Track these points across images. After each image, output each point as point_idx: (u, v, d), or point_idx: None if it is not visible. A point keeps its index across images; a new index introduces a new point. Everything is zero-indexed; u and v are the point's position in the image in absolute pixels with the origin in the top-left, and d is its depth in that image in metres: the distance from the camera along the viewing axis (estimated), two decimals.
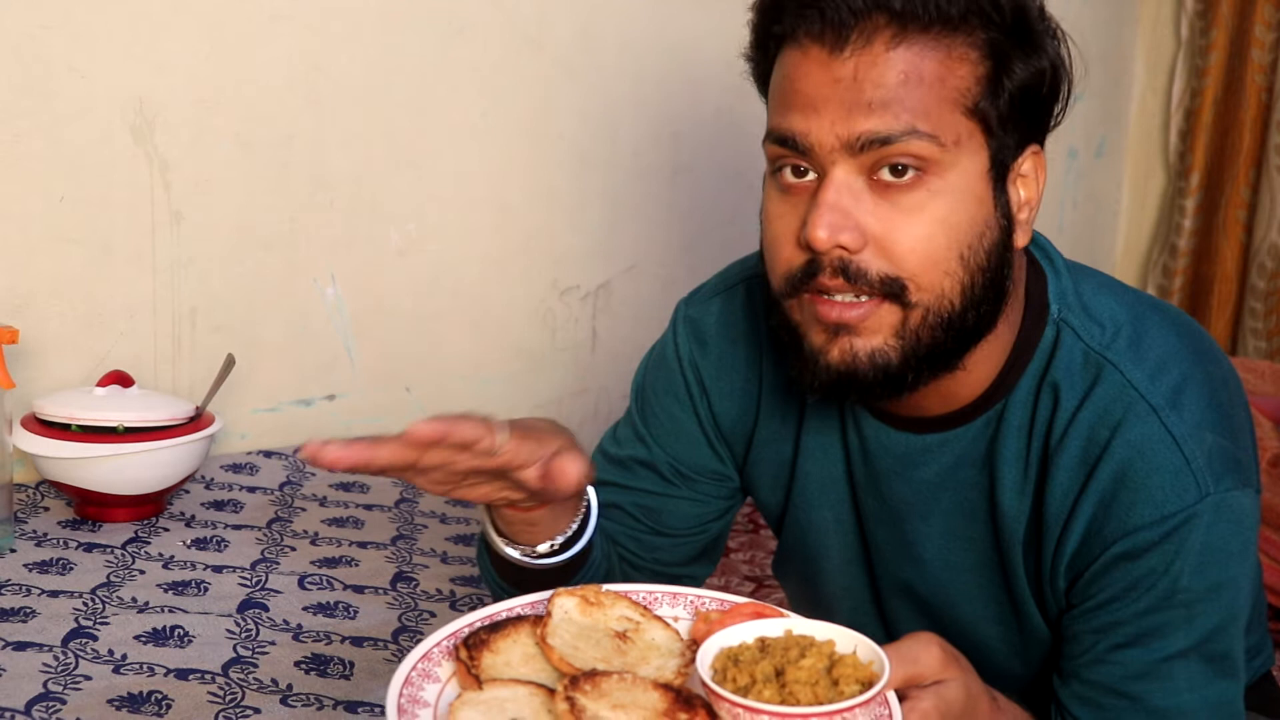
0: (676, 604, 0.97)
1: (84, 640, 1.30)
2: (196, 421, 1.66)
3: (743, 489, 1.27)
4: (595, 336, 2.28)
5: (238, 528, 1.63)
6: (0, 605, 1.37)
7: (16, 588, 1.42)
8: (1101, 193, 3.06)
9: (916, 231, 0.98)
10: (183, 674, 1.25)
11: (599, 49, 2.19)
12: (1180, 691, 1.03)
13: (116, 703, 1.19)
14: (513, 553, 1.08)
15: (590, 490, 1.10)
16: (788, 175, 1.01)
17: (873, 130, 0.96)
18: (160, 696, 1.21)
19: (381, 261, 2.05)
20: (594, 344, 2.28)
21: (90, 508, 1.62)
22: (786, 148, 1.00)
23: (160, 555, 1.53)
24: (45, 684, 1.21)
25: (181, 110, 1.84)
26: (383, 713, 0.84)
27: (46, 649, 1.28)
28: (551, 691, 0.85)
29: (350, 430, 2.05)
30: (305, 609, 1.42)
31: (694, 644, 0.91)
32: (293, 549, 1.58)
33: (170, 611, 1.38)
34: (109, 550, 1.53)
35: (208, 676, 1.25)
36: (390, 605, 1.45)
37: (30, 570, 1.46)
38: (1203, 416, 1.02)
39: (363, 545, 1.61)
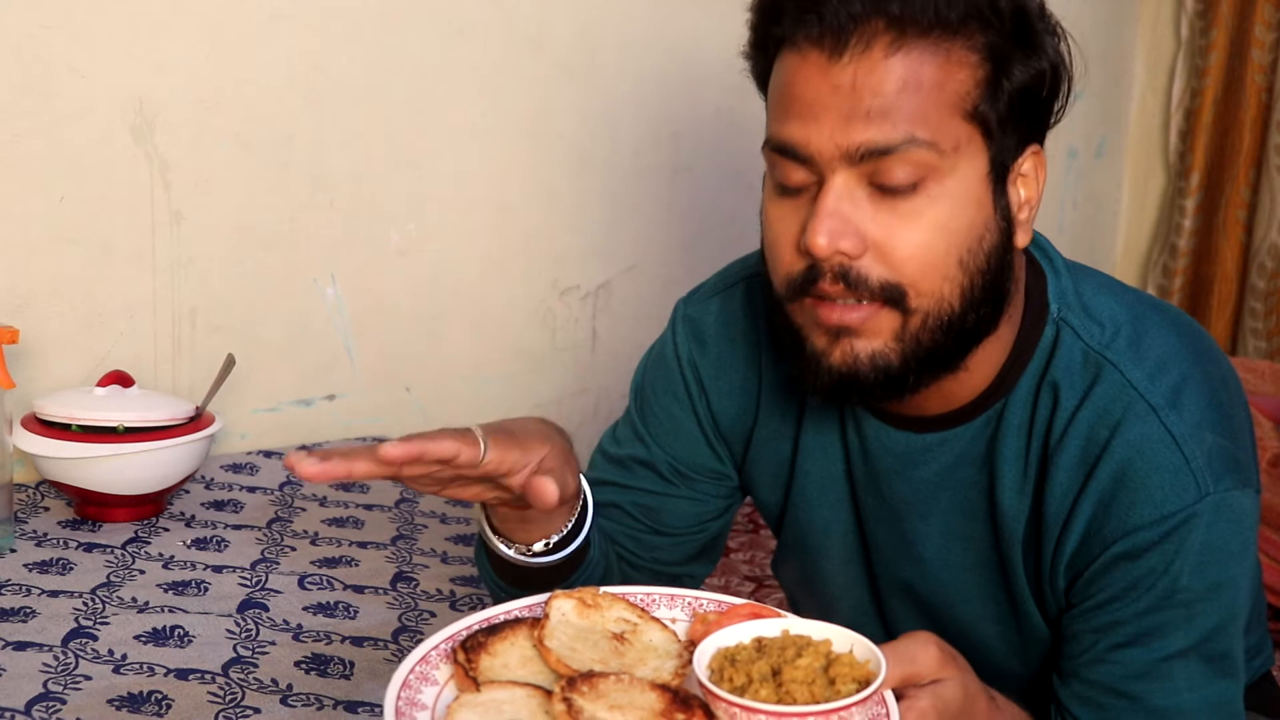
0: (674, 605, 0.97)
1: (84, 640, 1.31)
2: (196, 421, 1.66)
3: (742, 488, 1.27)
4: (595, 336, 2.28)
5: (238, 528, 1.63)
6: (0, 605, 1.37)
7: (16, 588, 1.42)
8: (1101, 193, 3.06)
9: (916, 237, 0.98)
10: (183, 674, 1.25)
11: (599, 49, 2.19)
12: (1180, 691, 1.03)
13: (116, 703, 1.19)
14: (509, 551, 1.08)
15: (586, 488, 1.10)
16: (787, 180, 1.01)
17: (871, 140, 0.96)
18: (160, 696, 1.21)
19: (381, 261, 2.05)
20: (594, 344, 2.28)
21: (90, 508, 1.62)
22: (786, 156, 1.00)
23: (160, 555, 1.53)
24: (45, 684, 1.22)
25: (181, 110, 1.84)
26: (383, 713, 0.84)
27: (46, 649, 1.28)
28: (549, 693, 0.86)
29: (350, 430, 2.05)
30: (305, 609, 1.42)
31: (691, 645, 0.91)
32: (293, 549, 1.58)
33: (170, 611, 1.38)
34: (109, 550, 1.53)
35: (208, 676, 1.25)
36: (390, 605, 1.45)
37: (30, 570, 1.46)
38: (1202, 416, 1.03)
39: (363, 545, 1.61)
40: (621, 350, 2.29)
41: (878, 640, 0.87)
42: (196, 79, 1.85)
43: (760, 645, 0.86)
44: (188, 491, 1.74)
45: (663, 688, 0.86)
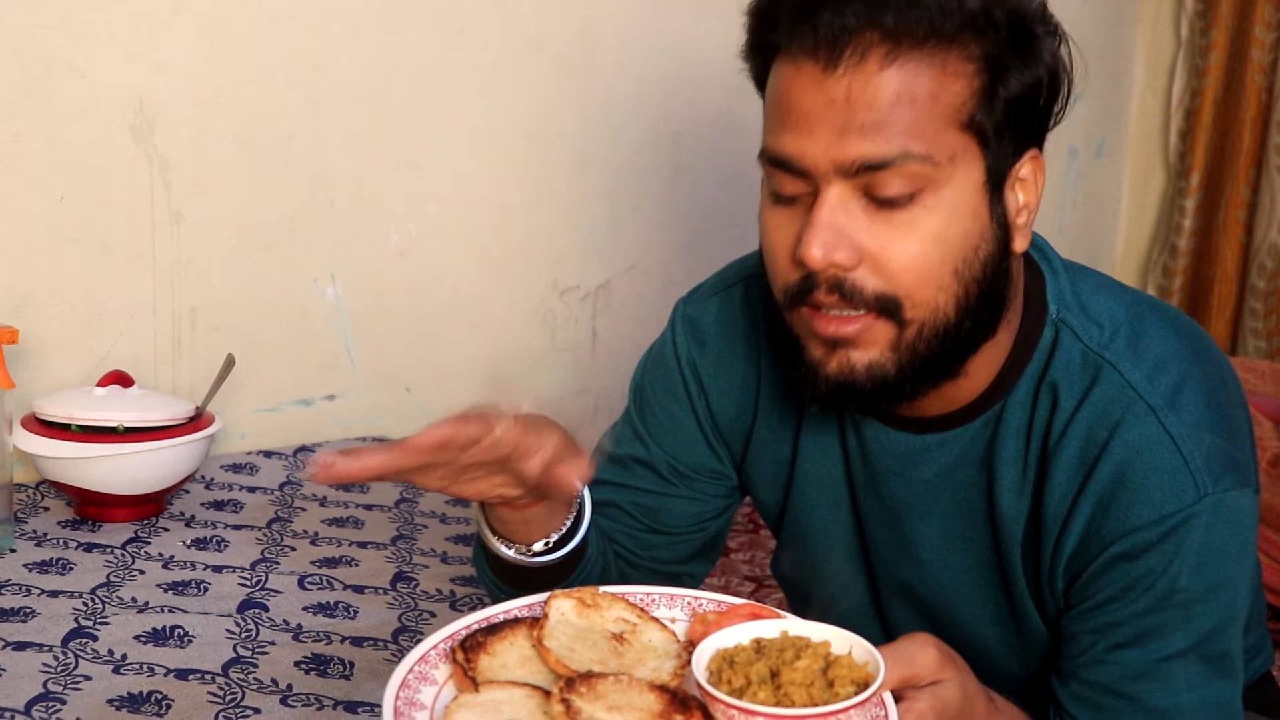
0: (674, 605, 0.97)
1: (84, 640, 1.31)
2: (196, 421, 1.66)
3: (741, 488, 1.27)
4: (595, 336, 2.28)
5: (238, 528, 1.63)
6: (0, 605, 1.37)
7: (16, 588, 1.42)
8: (1101, 193, 3.06)
9: (911, 249, 0.98)
10: (183, 674, 1.26)
11: (599, 49, 2.19)
12: (1179, 692, 1.03)
13: (116, 703, 1.20)
14: (509, 551, 1.08)
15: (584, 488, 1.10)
16: (782, 190, 1.01)
17: (866, 155, 0.96)
18: (160, 696, 1.21)
19: (381, 261, 2.05)
20: (594, 344, 2.28)
21: (90, 508, 1.62)
22: (781, 168, 1.00)
23: (160, 555, 1.53)
24: (45, 684, 1.22)
25: (181, 110, 1.84)
26: (381, 713, 0.84)
27: (46, 649, 1.28)
28: (547, 694, 0.86)
29: (350, 430, 2.05)
30: (305, 609, 1.42)
31: (691, 645, 0.91)
32: (293, 549, 1.58)
33: (170, 611, 1.38)
34: (109, 550, 1.54)
35: (208, 676, 1.25)
36: (390, 605, 1.45)
37: (30, 570, 1.47)
38: (1201, 417, 1.03)
39: (363, 545, 1.61)
40: (621, 350, 2.29)
41: (877, 641, 0.87)
42: (196, 79, 1.85)
43: (759, 647, 0.86)
44: (188, 491, 1.74)
45: (661, 689, 0.86)
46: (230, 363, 1.75)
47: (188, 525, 1.63)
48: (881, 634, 1.19)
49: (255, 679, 1.26)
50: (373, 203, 2.02)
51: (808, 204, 0.99)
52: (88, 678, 1.23)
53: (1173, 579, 1.01)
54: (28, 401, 1.66)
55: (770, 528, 1.28)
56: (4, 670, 1.23)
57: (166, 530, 1.61)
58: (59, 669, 1.25)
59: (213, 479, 1.79)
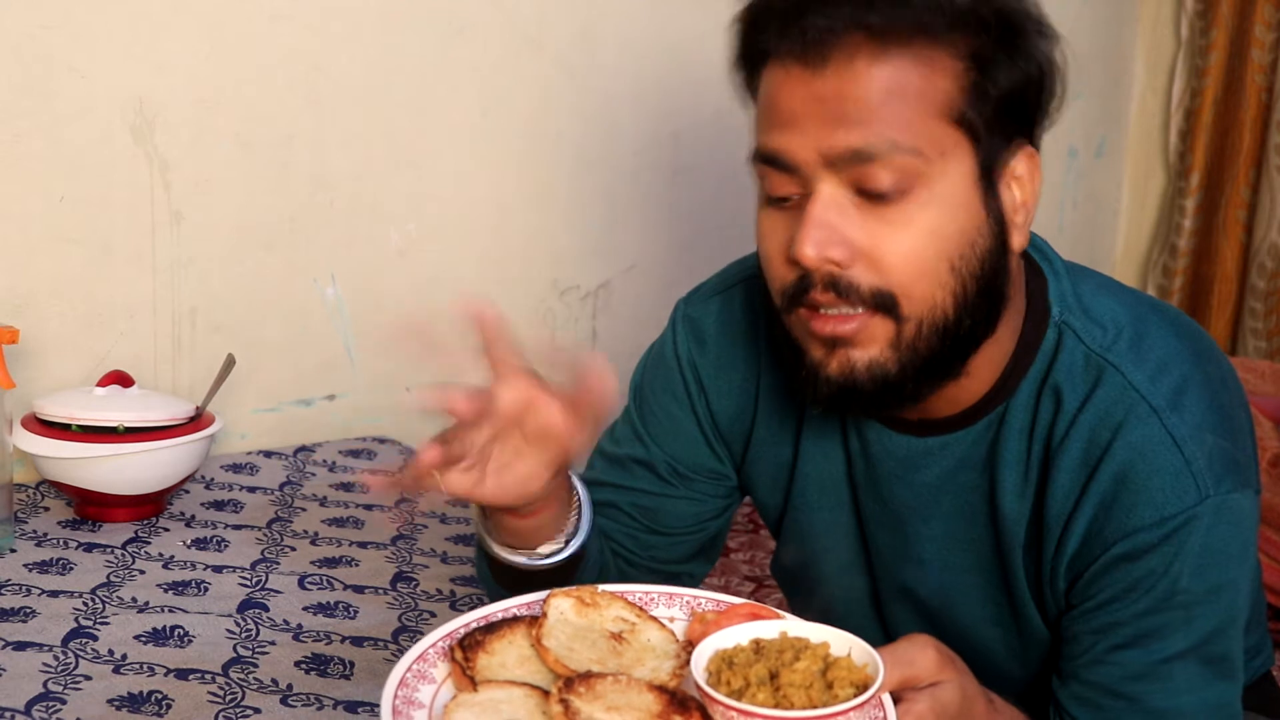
0: (673, 605, 0.97)
1: (84, 640, 1.31)
2: (196, 421, 1.66)
3: (741, 488, 1.27)
4: (595, 336, 2.28)
5: (238, 528, 1.63)
6: (0, 605, 1.37)
7: (16, 588, 1.42)
8: (1101, 193, 3.06)
9: (905, 244, 0.98)
10: (183, 674, 1.26)
11: (599, 49, 2.19)
12: (1179, 693, 1.03)
13: (116, 703, 1.20)
14: (516, 558, 1.08)
15: (580, 486, 1.10)
16: (775, 191, 1.01)
17: (853, 145, 0.96)
18: (160, 696, 1.21)
19: (381, 261, 2.05)
20: (594, 344, 2.28)
21: (90, 508, 1.62)
22: (772, 165, 1.00)
23: (160, 555, 1.53)
24: (45, 684, 1.22)
25: (181, 110, 1.84)
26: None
27: (46, 649, 1.28)
28: (546, 693, 0.86)
29: (350, 430, 2.05)
30: (305, 609, 1.42)
31: (690, 645, 0.91)
32: (293, 549, 1.58)
33: (170, 611, 1.38)
34: (109, 550, 1.54)
35: (208, 676, 1.25)
36: (390, 605, 1.45)
37: (30, 570, 1.47)
38: (1203, 418, 1.03)
39: (363, 545, 1.61)
40: (621, 350, 2.28)
41: (876, 643, 0.87)
42: (196, 79, 1.85)
43: (758, 647, 0.86)
44: (188, 491, 1.74)
45: (660, 689, 0.86)
46: (230, 363, 1.75)
47: (188, 525, 1.63)
48: (881, 635, 1.19)
49: (255, 679, 1.26)
50: (373, 203, 2.02)
51: (800, 205, 0.99)
52: (88, 678, 1.23)
53: (1174, 580, 1.01)
54: (28, 401, 1.66)
55: (770, 528, 1.28)
56: (4, 670, 1.23)
57: (166, 530, 1.61)
58: (59, 669, 1.25)
59: (213, 479, 1.79)
